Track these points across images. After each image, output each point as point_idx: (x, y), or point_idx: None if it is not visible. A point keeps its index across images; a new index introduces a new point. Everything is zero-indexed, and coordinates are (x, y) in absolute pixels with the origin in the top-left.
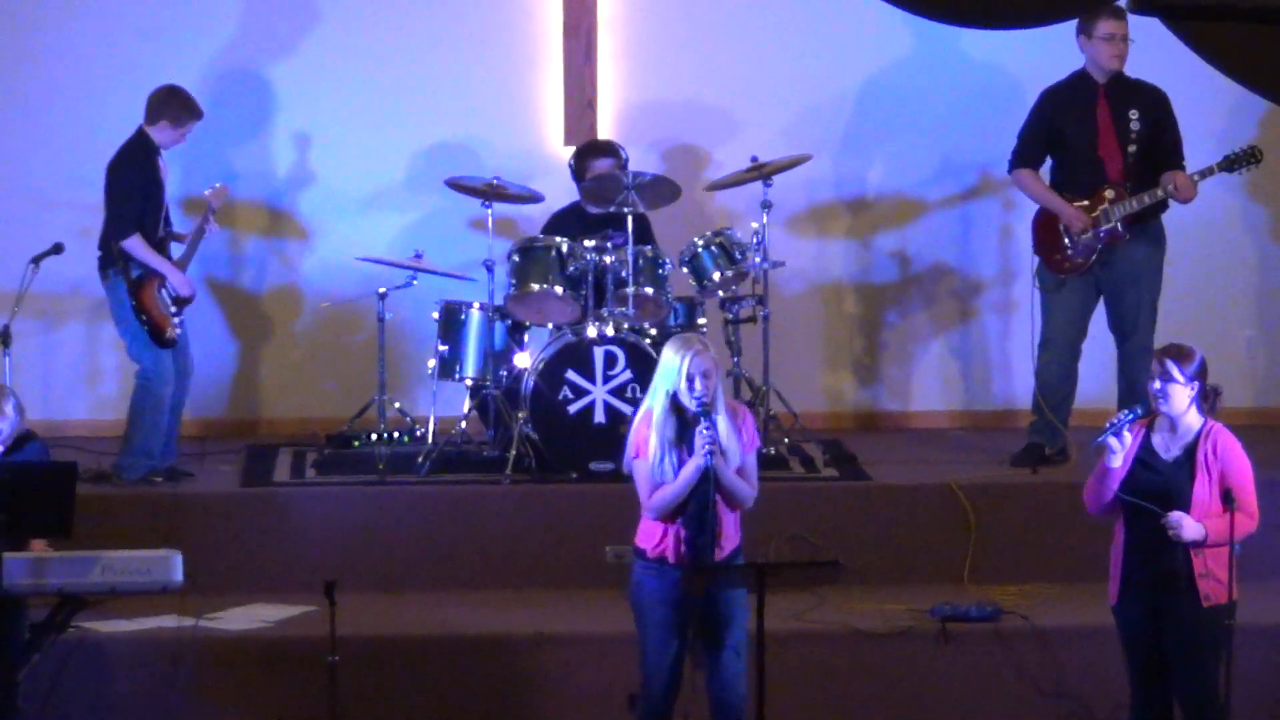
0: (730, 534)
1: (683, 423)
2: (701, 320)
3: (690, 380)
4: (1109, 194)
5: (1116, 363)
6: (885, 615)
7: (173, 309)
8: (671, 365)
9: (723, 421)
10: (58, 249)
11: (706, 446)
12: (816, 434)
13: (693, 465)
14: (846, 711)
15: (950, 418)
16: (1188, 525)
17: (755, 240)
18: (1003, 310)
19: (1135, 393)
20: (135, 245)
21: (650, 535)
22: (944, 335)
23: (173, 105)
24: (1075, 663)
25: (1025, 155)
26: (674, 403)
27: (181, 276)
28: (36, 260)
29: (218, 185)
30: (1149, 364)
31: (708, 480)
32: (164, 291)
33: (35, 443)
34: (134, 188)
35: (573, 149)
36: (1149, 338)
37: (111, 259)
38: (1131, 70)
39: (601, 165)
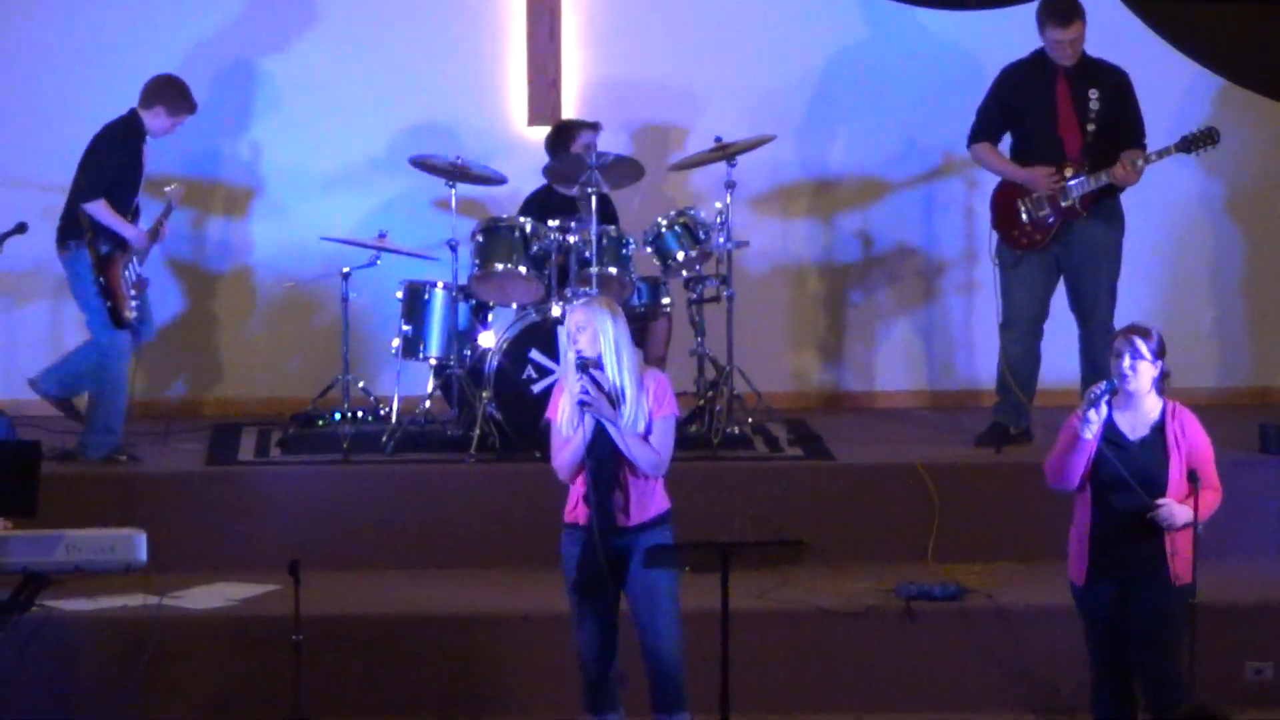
0: (648, 501)
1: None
2: (666, 300)
3: (570, 335)
4: (1068, 171)
5: (1079, 343)
6: (849, 594)
7: (132, 292)
8: (567, 325)
9: (611, 376)
10: (21, 228)
11: (580, 395)
12: (781, 413)
13: (586, 420)
14: (810, 690)
15: (914, 397)
16: (1179, 512)
17: (719, 220)
18: (966, 290)
19: (1098, 373)
20: (98, 208)
21: (570, 501)
22: (908, 315)
23: (170, 93)
24: (1039, 641)
25: (983, 130)
26: (578, 363)
27: (139, 233)
28: (0, 239)
29: (174, 185)
30: (1110, 344)
31: (602, 437)
32: (128, 272)
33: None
34: (113, 162)
35: (538, 129)
36: (1109, 318)
37: (76, 230)
38: (1087, 49)
39: (588, 138)
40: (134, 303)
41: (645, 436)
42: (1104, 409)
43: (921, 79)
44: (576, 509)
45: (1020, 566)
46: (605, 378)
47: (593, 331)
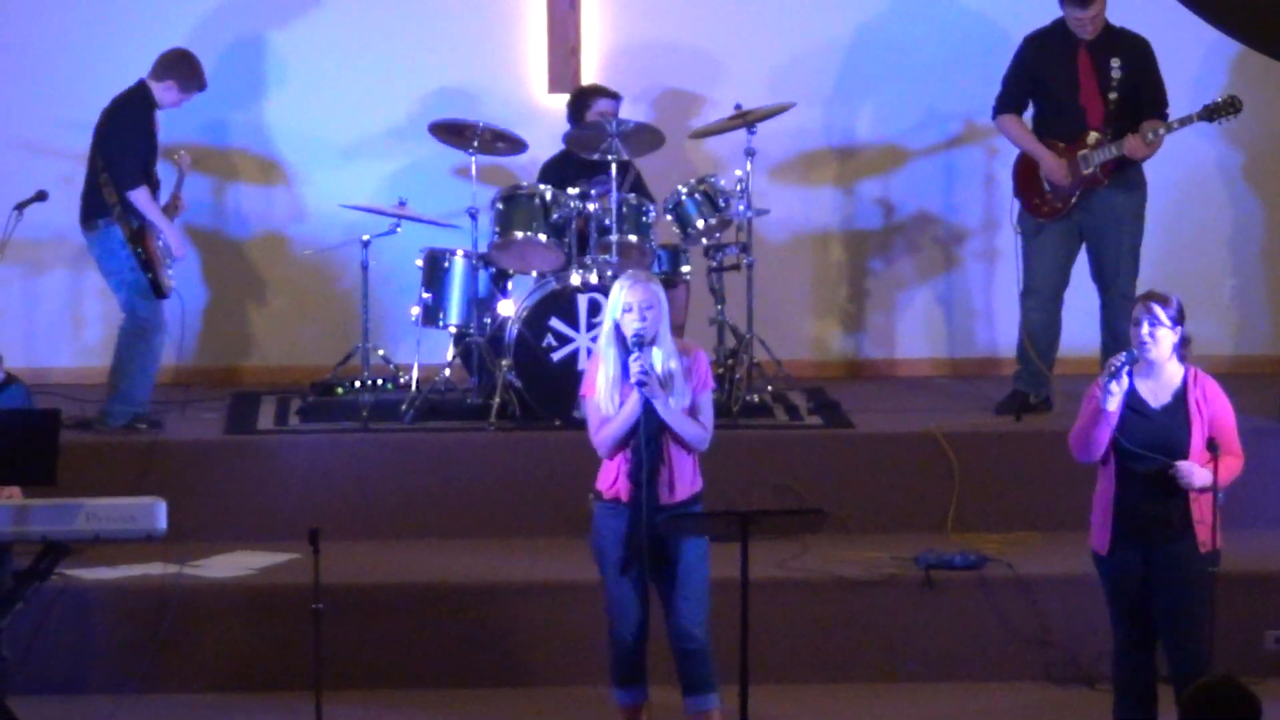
0: (687, 479)
1: (627, 356)
2: (686, 268)
3: (627, 309)
4: (1090, 139)
5: (1099, 311)
6: (869, 563)
7: (167, 261)
8: (614, 301)
9: (660, 354)
10: (41, 196)
11: (639, 376)
12: (800, 382)
13: (633, 397)
14: (830, 659)
15: (934, 365)
16: (1198, 472)
17: (739, 188)
18: (987, 258)
19: (1119, 341)
20: (142, 197)
21: (606, 476)
22: (928, 283)
23: (184, 69)
24: (1058, 611)
25: (1007, 101)
26: (617, 335)
27: (179, 238)
28: (20, 207)
29: (183, 152)
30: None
31: (648, 413)
32: (160, 243)
33: (16, 387)
34: (139, 142)
35: (558, 96)
36: (1130, 286)
37: (102, 207)
38: (1108, 16)
39: (604, 106)
40: (170, 271)
41: (688, 411)
42: (1125, 380)
43: (943, 46)
44: (617, 484)
45: (1040, 535)
46: (650, 352)
47: (657, 310)
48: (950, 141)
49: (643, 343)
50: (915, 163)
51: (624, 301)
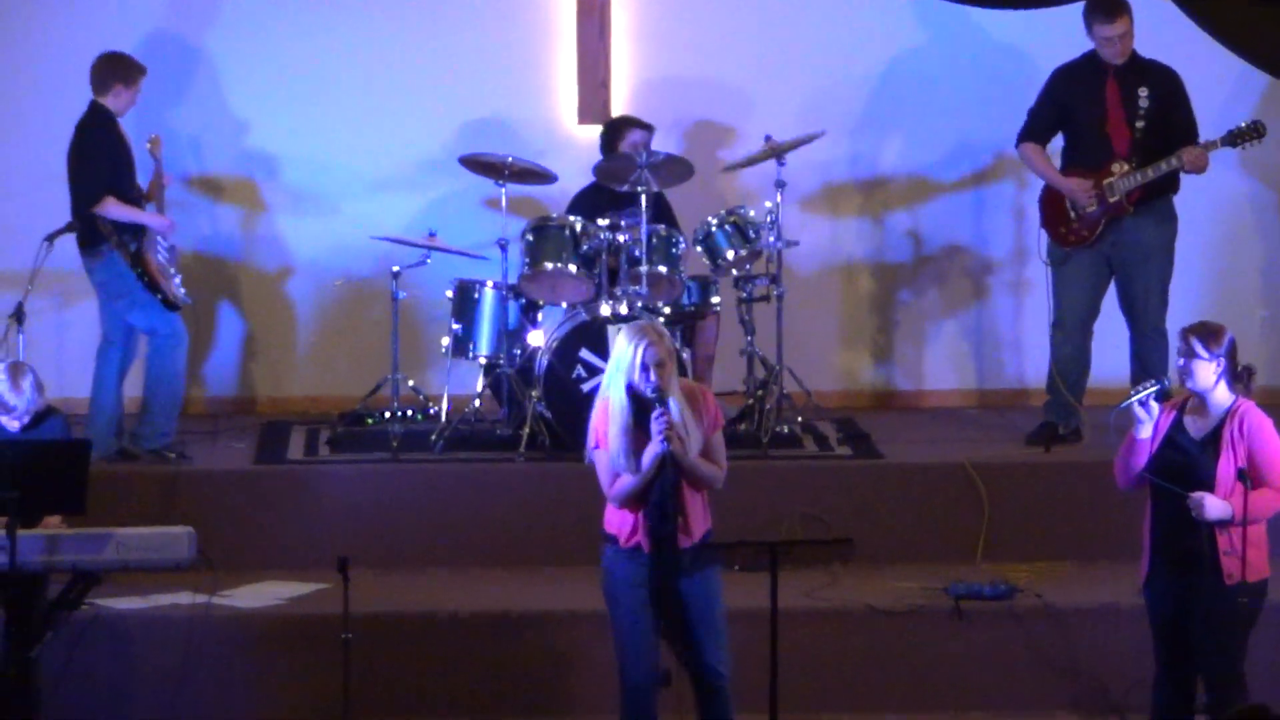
0: (699, 518)
1: (640, 409)
2: (715, 299)
3: (645, 370)
4: (1115, 168)
5: (1129, 344)
6: (898, 593)
7: (172, 270)
8: (625, 356)
9: (676, 405)
10: (72, 228)
11: (662, 432)
12: (830, 412)
13: (649, 453)
14: (859, 689)
15: (963, 396)
16: (1209, 504)
17: (769, 219)
18: (1016, 290)
19: (1148, 374)
20: (111, 207)
21: (622, 524)
22: (957, 314)
23: (118, 69)
24: (1089, 641)
25: (1032, 130)
26: (630, 391)
27: (161, 219)
28: (51, 238)
29: (153, 137)
30: (1160, 346)
31: (667, 467)
32: (160, 256)
33: (55, 418)
34: (100, 155)
35: (588, 128)
36: (1160, 319)
37: (99, 235)
38: (1136, 48)
39: (637, 137)
40: (177, 278)
41: (701, 452)
42: (1154, 406)
43: (973, 79)
44: (636, 534)
45: (1069, 566)
46: (671, 406)
47: (672, 365)
48: (980, 174)
49: (662, 398)
50: (945, 195)
51: (641, 360)
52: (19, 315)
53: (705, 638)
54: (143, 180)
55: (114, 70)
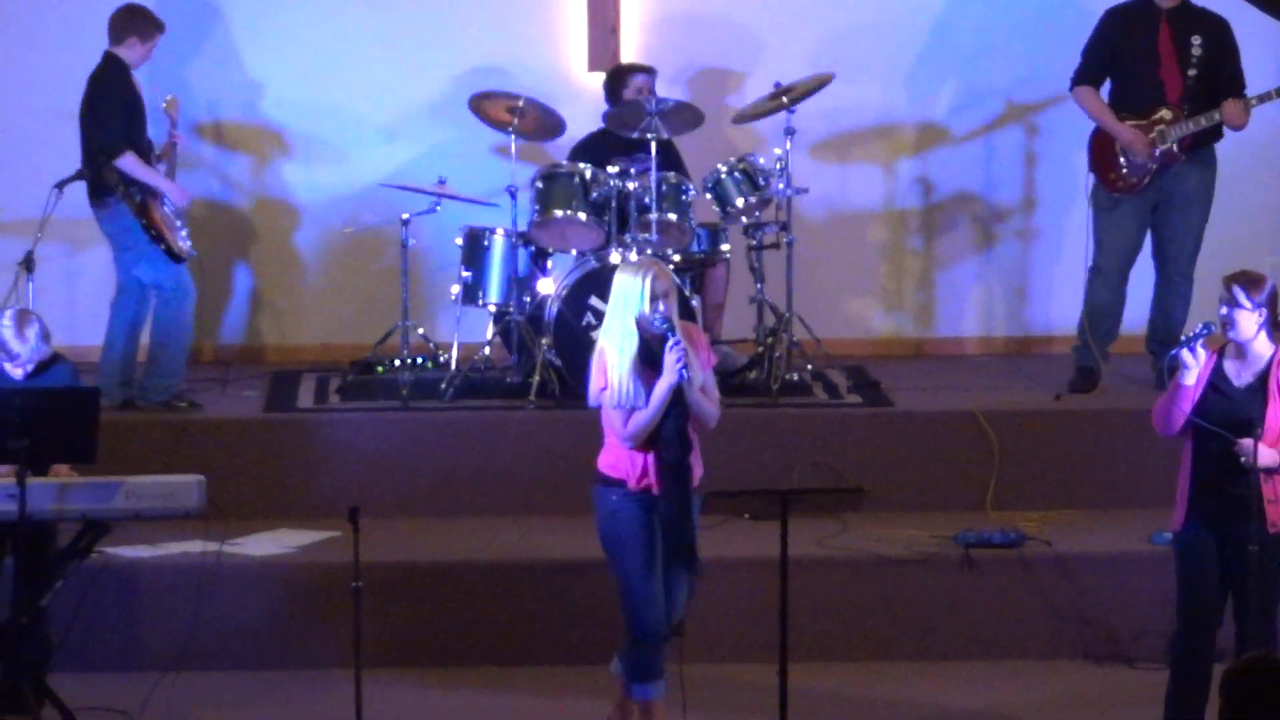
0: (698, 462)
1: (646, 346)
2: (725, 246)
3: (655, 300)
4: (1165, 115)
5: (1153, 290)
6: (908, 541)
7: (178, 223)
8: (633, 289)
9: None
10: (82, 175)
11: (681, 360)
12: (840, 360)
13: (665, 384)
14: (869, 637)
15: (974, 344)
16: (1263, 451)
17: (779, 166)
18: (1025, 237)
19: (1170, 321)
20: (129, 162)
21: (630, 466)
22: (967, 262)
23: (136, 21)
24: (1098, 589)
25: (1086, 73)
26: (636, 326)
27: (177, 188)
28: (60, 185)
29: (169, 97)
30: (1186, 293)
31: (680, 401)
32: (165, 208)
33: (62, 365)
34: (116, 107)
35: (598, 75)
36: (1191, 266)
37: (106, 187)
38: None
39: (641, 80)
40: (183, 230)
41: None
42: (1201, 353)
43: (984, 24)
44: (646, 476)
45: (1080, 514)
46: (682, 339)
47: (675, 295)
48: (990, 121)
49: (673, 330)
50: (955, 141)
51: (650, 290)
52: (29, 263)
53: (680, 580)
54: (155, 137)
55: (132, 22)
